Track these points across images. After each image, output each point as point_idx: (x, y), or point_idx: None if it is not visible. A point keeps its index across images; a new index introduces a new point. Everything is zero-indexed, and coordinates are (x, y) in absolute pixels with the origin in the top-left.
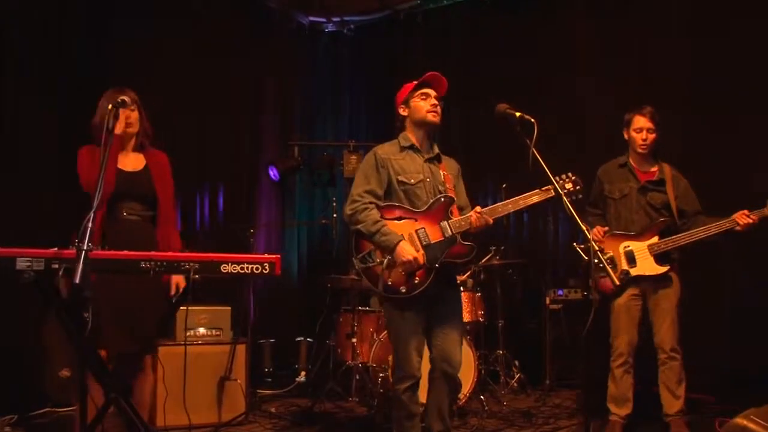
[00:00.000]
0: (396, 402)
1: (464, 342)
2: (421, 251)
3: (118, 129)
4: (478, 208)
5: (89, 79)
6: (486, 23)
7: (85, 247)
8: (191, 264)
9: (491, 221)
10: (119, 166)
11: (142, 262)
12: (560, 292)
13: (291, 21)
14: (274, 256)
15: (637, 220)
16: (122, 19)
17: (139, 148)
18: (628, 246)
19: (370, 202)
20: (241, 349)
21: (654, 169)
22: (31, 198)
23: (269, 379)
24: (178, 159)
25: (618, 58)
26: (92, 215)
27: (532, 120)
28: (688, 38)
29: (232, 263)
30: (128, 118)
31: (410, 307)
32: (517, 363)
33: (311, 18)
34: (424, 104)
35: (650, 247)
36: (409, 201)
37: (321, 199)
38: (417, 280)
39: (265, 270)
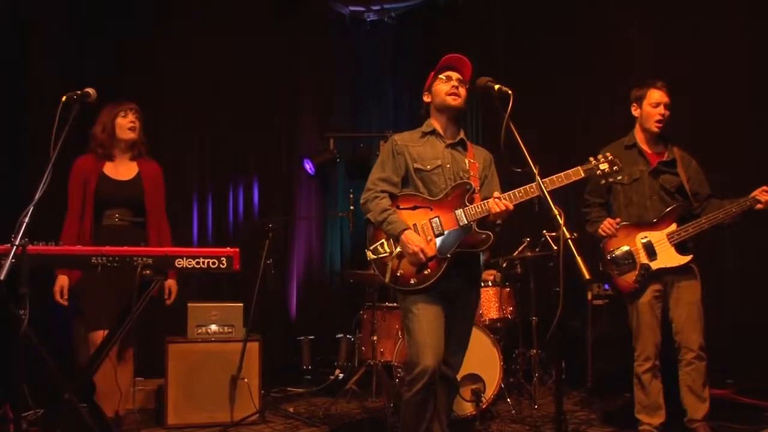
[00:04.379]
0: (406, 407)
1: (488, 341)
2: (434, 241)
3: (125, 134)
4: (496, 194)
5: (115, 78)
6: (527, 5)
7: (17, 243)
8: (143, 259)
9: (512, 206)
10: (109, 174)
11: (93, 258)
12: (606, 287)
13: (331, 11)
14: (232, 249)
15: (651, 207)
16: (154, 16)
17: (135, 157)
18: (646, 237)
19: (383, 191)
20: (254, 346)
21: (664, 150)
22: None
23: (308, 377)
24: (211, 153)
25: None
26: (31, 209)
27: (509, 92)
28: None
29: (187, 258)
30: (133, 123)
31: (428, 297)
32: (563, 363)
33: (351, 8)
34: (444, 86)
35: (669, 235)
36: (427, 188)
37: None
38: (428, 271)
39: (223, 265)
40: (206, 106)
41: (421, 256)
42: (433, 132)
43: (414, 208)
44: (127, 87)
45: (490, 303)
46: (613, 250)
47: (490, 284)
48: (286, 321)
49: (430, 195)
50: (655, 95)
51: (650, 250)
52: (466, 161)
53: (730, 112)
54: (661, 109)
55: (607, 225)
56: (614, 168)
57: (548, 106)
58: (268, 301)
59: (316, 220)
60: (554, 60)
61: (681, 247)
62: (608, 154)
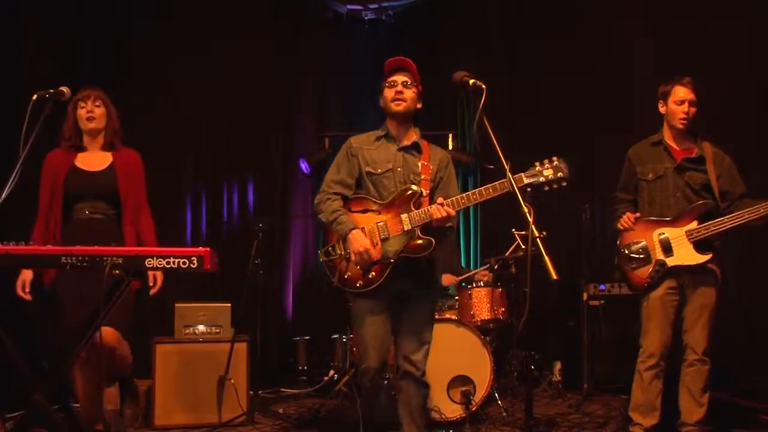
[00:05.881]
0: (362, 393)
1: (479, 342)
2: (379, 245)
3: (84, 125)
4: (440, 200)
5: (114, 78)
6: (526, 4)
7: None
8: (113, 259)
9: (453, 213)
10: (80, 165)
11: (62, 257)
12: (602, 287)
13: (329, 10)
14: (202, 249)
15: (673, 204)
16: (154, 15)
17: (108, 147)
18: (663, 233)
19: (335, 193)
20: (242, 347)
21: (692, 146)
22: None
23: (304, 378)
24: (207, 152)
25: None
26: None
27: (483, 86)
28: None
29: (158, 257)
30: (90, 112)
31: (372, 300)
32: (559, 365)
33: (349, 6)
34: (389, 93)
35: (688, 233)
36: (378, 192)
37: None
38: (372, 275)
39: (193, 264)
40: (203, 104)
41: (366, 257)
42: (387, 135)
43: (364, 211)
44: (126, 87)
45: (482, 304)
46: (629, 244)
47: (481, 285)
48: (282, 321)
49: (380, 198)
50: (680, 92)
51: (666, 247)
52: (419, 164)
53: (731, 112)
54: (685, 107)
55: (624, 219)
56: (558, 174)
57: (548, 105)
58: (260, 300)
59: (312, 220)
60: (553, 59)
61: (701, 246)
62: (555, 158)
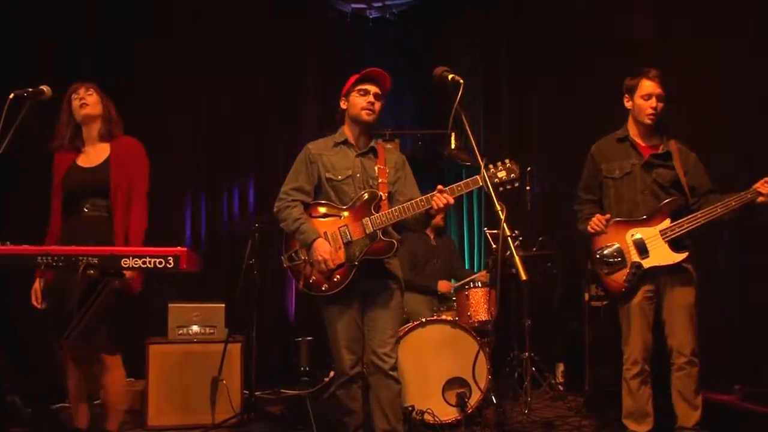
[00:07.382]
0: (335, 399)
1: (475, 344)
2: (342, 249)
3: (78, 114)
4: (439, 187)
5: (114, 78)
6: (529, 1)
7: None
8: (88, 258)
9: (452, 201)
10: (79, 162)
11: (39, 257)
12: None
13: (332, 9)
14: (179, 249)
15: (642, 202)
16: (155, 14)
17: (107, 136)
18: (636, 234)
19: (294, 200)
20: (235, 348)
21: (658, 143)
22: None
23: (306, 378)
24: (210, 152)
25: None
26: None
27: (461, 81)
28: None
29: (134, 257)
30: (83, 99)
31: (340, 303)
32: (561, 367)
33: (353, 5)
34: (361, 101)
35: (663, 232)
36: (338, 197)
37: None
38: (337, 278)
39: (170, 264)
40: (204, 104)
41: (323, 266)
42: (345, 142)
43: (325, 216)
44: (127, 86)
45: (479, 304)
46: (602, 248)
47: (479, 285)
48: (284, 321)
49: (341, 203)
50: (647, 86)
51: (642, 248)
52: (376, 168)
53: (733, 110)
54: (653, 102)
55: (595, 221)
56: (511, 176)
57: (549, 103)
58: (256, 301)
59: None
60: (556, 56)
61: (676, 244)
62: (507, 160)
